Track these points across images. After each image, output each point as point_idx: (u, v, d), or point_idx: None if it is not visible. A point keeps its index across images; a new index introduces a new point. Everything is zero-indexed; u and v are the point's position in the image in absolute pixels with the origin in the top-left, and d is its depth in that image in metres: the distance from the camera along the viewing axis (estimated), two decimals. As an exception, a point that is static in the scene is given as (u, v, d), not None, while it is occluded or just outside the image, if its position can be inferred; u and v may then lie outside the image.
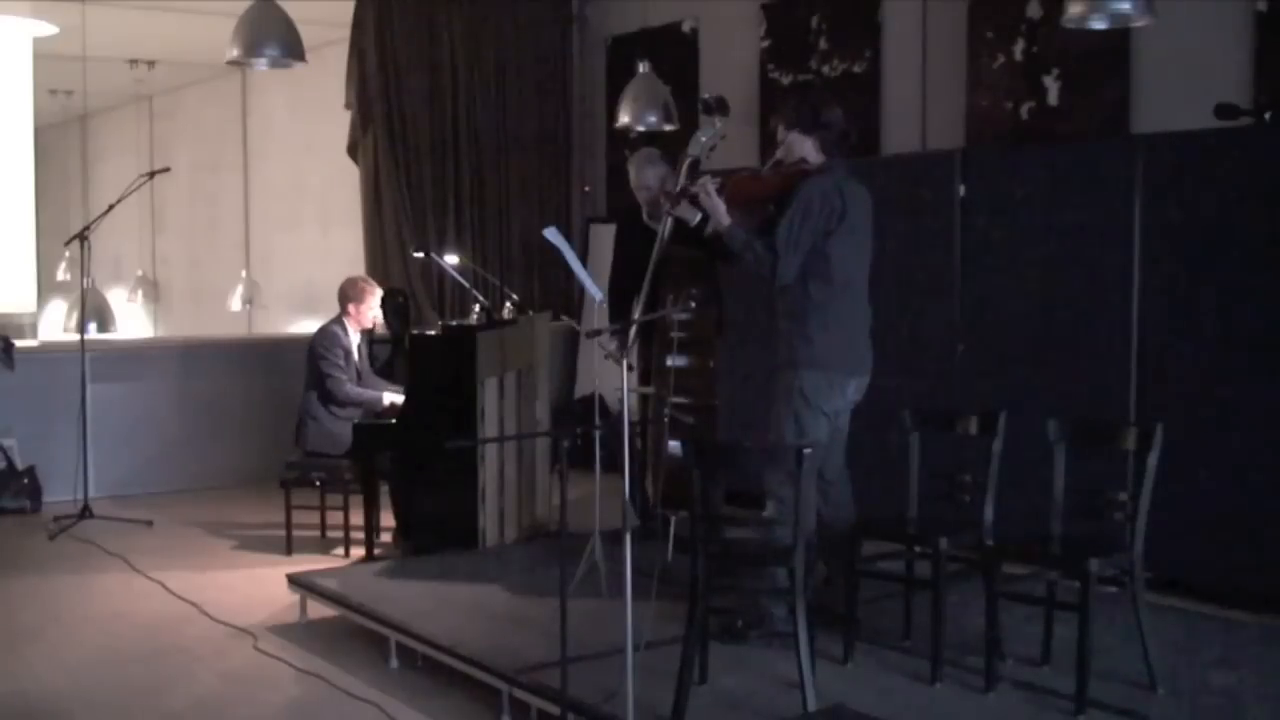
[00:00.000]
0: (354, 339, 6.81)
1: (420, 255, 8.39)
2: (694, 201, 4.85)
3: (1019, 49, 6.66)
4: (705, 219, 4.85)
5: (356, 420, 6.51)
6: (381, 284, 7.25)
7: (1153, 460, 4.08)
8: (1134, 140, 5.79)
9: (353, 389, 6.67)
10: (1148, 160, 5.46)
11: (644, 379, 5.84)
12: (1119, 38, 6.08)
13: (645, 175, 5.95)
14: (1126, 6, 4.74)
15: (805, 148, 4.70)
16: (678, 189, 4.94)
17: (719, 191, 4.69)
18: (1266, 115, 5.43)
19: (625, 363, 4.29)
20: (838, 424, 4.71)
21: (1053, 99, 6.53)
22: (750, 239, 4.63)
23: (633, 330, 4.93)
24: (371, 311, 6.86)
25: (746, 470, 4.80)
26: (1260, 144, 5.31)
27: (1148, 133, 5.83)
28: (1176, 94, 5.94)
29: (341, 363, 6.65)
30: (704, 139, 4.97)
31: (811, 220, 4.54)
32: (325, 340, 6.70)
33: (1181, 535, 5.10)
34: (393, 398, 6.59)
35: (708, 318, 5.83)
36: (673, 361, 5.63)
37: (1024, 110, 6.65)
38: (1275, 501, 5.06)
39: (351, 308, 6.81)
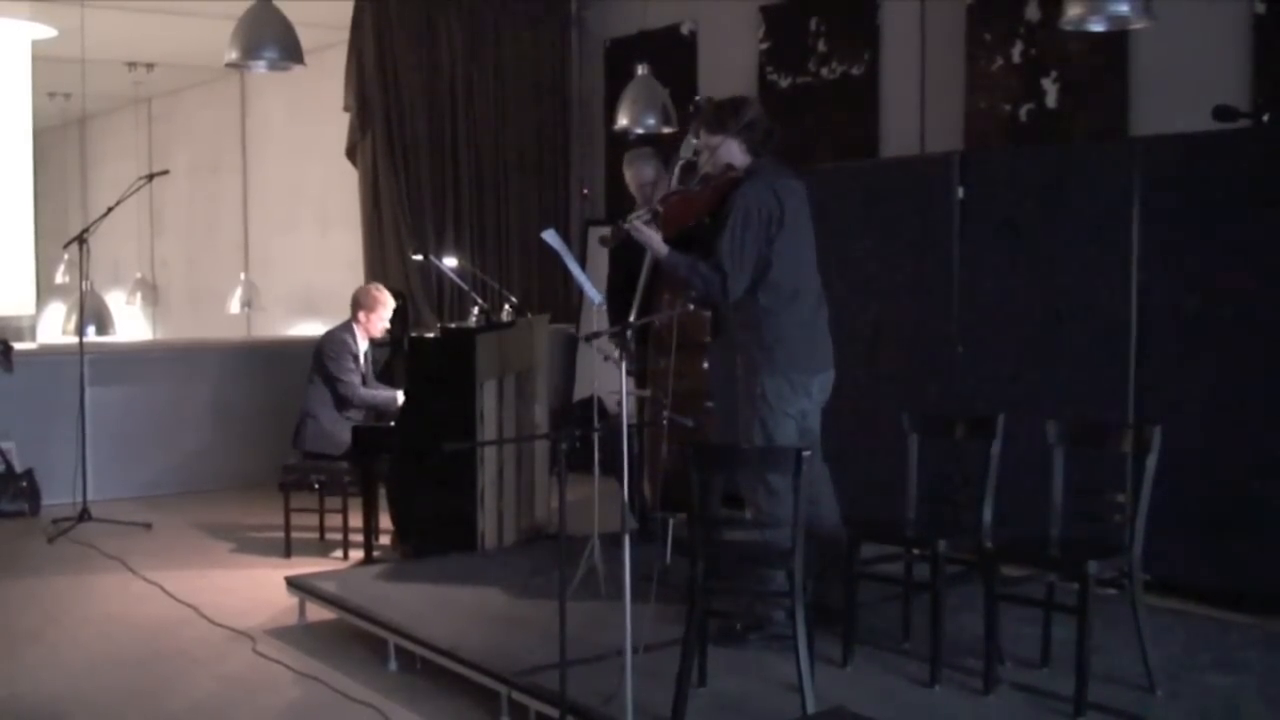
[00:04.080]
0: (362, 346, 6.82)
1: (419, 258, 8.40)
2: (629, 239, 4.76)
3: (1017, 51, 6.66)
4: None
5: (357, 422, 6.51)
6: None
7: (1151, 462, 4.08)
8: (1132, 142, 5.78)
9: (365, 391, 6.72)
10: (1146, 162, 5.45)
11: (640, 381, 5.83)
12: (1117, 40, 6.09)
13: (644, 171, 5.95)
14: (1125, 9, 4.74)
15: (731, 151, 4.61)
16: (646, 214, 4.83)
17: (654, 219, 4.63)
18: (1265, 117, 5.42)
19: (624, 366, 4.29)
20: (806, 425, 4.63)
21: (1051, 101, 6.53)
22: (694, 263, 4.54)
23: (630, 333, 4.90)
24: (382, 322, 6.87)
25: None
26: (1259, 146, 5.31)
27: (1146, 135, 5.84)
28: (1175, 96, 5.95)
29: (351, 366, 6.67)
30: (694, 142, 4.95)
31: (752, 230, 4.46)
32: (333, 345, 6.72)
33: (1181, 537, 5.10)
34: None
35: (700, 319, 5.82)
36: (666, 363, 5.62)
37: (1023, 112, 6.65)
38: (1274, 503, 5.05)
39: (363, 315, 6.82)
